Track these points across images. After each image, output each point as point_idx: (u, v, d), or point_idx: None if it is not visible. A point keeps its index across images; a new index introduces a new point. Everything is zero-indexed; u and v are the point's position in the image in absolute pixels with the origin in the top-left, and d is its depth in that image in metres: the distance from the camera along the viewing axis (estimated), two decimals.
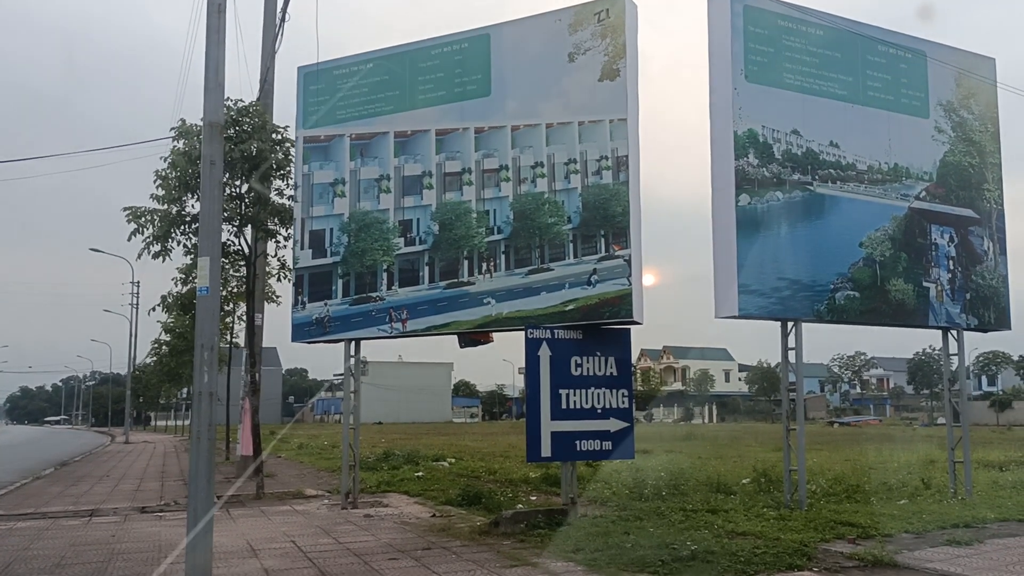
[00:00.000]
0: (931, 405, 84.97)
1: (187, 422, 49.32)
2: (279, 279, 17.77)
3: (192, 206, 13.74)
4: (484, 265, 11.31)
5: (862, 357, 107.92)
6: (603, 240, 10.64)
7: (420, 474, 17.45)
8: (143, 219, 13.72)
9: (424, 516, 11.51)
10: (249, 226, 14.43)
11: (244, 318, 19.98)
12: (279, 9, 16.49)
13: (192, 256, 14.61)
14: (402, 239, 11.90)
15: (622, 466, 14.66)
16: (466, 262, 11.43)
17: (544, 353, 10.44)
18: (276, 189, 14.28)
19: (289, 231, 14.26)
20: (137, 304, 49.94)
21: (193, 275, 16.27)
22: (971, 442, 13.50)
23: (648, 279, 11.13)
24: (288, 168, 13.98)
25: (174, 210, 13.65)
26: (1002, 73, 13.72)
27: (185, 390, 47.46)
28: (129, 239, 13.91)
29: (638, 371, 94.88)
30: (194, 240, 13.75)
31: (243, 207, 13.96)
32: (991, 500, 12.10)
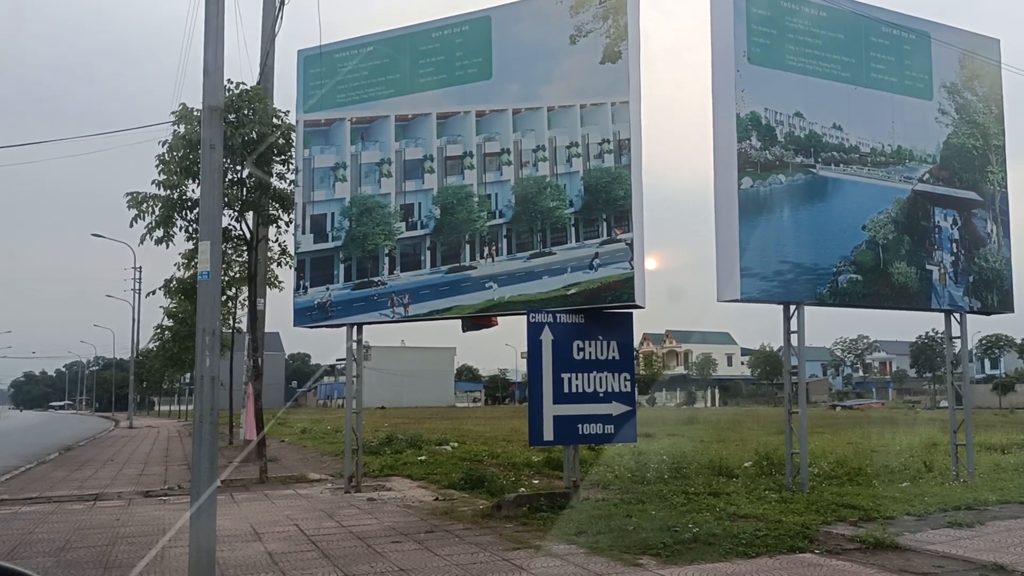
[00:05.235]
0: (934, 388, 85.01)
1: (190, 407, 49.47)
2: (279, 264, 17.78)
3: (193, 191, 13.71)
4: (486, 249, 11.29)
5: (864, 340, 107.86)
6: (605, 224, 10.61)
7: (423, 458, 17.49)
8: (144, 205, 13.69)
9: (427, 500, 11.55)
10: (250, 211, 14.40)
11: (246, 303, 19.99)
12: None
13: (194, 241, 14.60)
14: (404, 223, 11.87)
15: (625, 450, 14.70)
16: (468, 246, 11.41)
17: (546, 337, 10.44)
18: (277, 174, 14.25)
19: (290, 216, 14.24)
20: (139, 289, 50.03)
21: (195, 260, 16.27)
22: (973, 425, 13.51)
23: (651, 263, 11.12)
24: (289, 152, 13.94)
25: (175, 195, 13.63)
26: (1008, 59, 13.62)
27: (188, 375, 47.58)
28: (131, 225, 13.90)
29: (640, 355, 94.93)
30: (196, 225, 13.74)
31: (244, 192, 13.93)
32: (993, 483, 12.12)
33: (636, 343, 14.97)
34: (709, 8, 11.40)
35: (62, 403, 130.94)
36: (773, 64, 11.43)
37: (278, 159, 14.12)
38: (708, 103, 11.39)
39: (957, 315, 12.98)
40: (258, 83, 15.71)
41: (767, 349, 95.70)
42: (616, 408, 10.57)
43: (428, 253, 11.67)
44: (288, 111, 14.13)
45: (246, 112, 13.65)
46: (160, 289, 20.09)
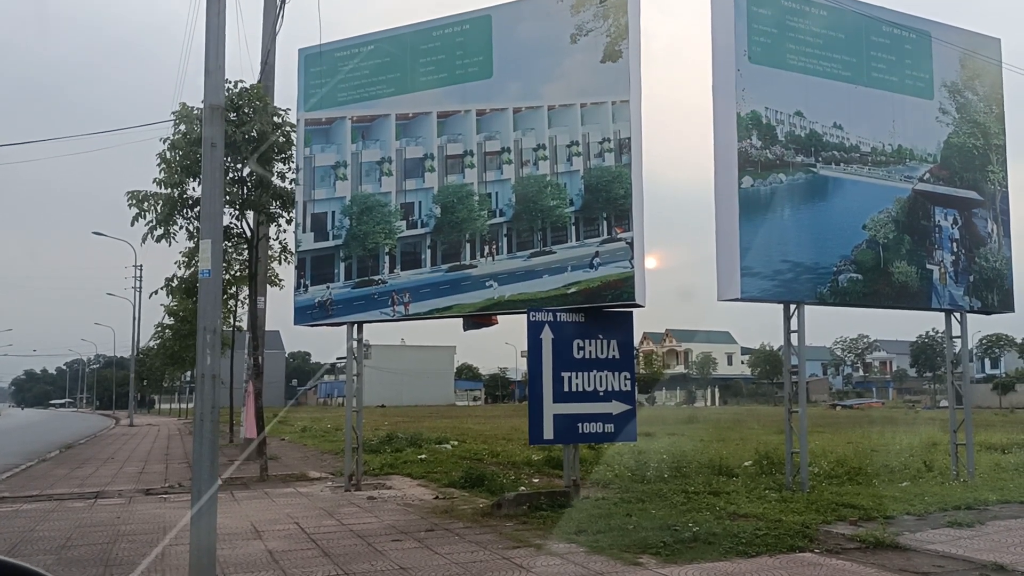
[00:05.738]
0: (934, 388, 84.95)
1: (191, 405, 49.47)
2: (280, 262, 17.79)
3: (194, 189, 13.73)
4: (486, 248, 11.29)
5: (865, 340, 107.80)
6: (605, 223, 10.61)
7: (423, 456, 17.50)
8: (146, 203, 13.71)
9: (427, 498, 11.56)
10: (251, 209, 14.40)
11: (247, 301, 20.01)
12: None
13: (195, 240, 14.62)
14: (404, 222, 11.88)
15: (625, 449, 14.70)
16: (468, 245, 11.41)
17: (546, 336, 10.45)
18: (278, 172, 14.26)
19: (291, 214, 14.24)
20: (140, 287, 50.10)
21: (196, 259, 16.28)
22: (973, 424, 13.50)
23: (651, 262, 11.13)
24: (289, 151, 13.95)
25: (176, 193, 13.64)
26: (1009, 58, 13.61)
27: (188, 373, 47.58)
28: (132, 223, 13.93)
29: (640, 354, 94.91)
30: (197, 223, 13.75)
31: (245, 190, 13.94)
32: (993, 482, 12.12)
33: (636, 342, 14.98)
34: (710, 7, 11.40)
35: (63, 401, 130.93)
36: (774, 63, 11.42)
37: (279, 157, 14.13)
38: (708, 102, 11.39)
39: (957, 314, 12.98)
40: (259, 82, 15.71)
41: (767, 348, 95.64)
42: (616, 407, 10.58)
43: (428, 252, 11.68)
44: (289, 110, 14.16)
45: (246, 110, 13.66)
46: (161, 288, 20.10)
